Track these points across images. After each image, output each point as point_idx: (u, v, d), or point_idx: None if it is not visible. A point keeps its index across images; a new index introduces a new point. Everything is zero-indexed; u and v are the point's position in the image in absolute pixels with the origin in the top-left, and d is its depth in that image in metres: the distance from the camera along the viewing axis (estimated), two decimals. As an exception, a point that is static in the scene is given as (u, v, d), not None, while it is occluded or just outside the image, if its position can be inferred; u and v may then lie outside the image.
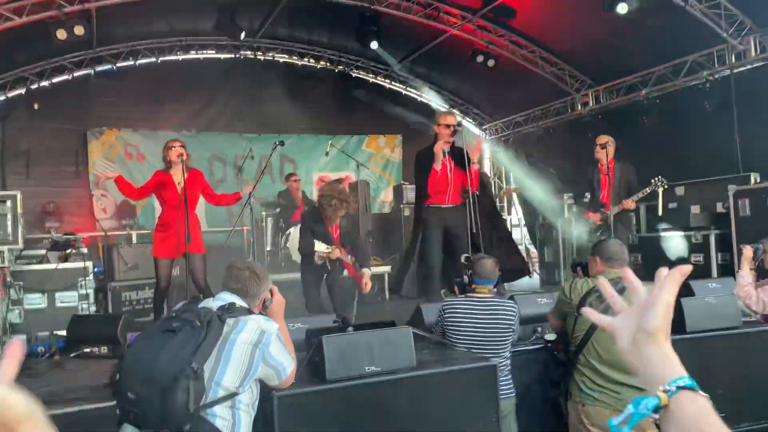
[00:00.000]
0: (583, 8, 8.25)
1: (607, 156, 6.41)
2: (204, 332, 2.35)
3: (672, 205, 8.19)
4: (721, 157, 8.05)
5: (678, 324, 3.89)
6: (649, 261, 7.64)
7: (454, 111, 12.40)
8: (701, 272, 6.80)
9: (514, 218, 12.58)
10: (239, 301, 2.66)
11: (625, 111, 9.77)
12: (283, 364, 2.57)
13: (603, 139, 6.50)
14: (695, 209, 7.72)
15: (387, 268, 8.12)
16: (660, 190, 6.46)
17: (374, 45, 9.98)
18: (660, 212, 8.27)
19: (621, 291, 3.37)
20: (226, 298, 2.66)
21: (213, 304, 2.63)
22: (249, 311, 2.64)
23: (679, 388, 0.89)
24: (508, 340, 3.67)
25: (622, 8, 7.47)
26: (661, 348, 0.99)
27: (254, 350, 2.45)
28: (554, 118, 11.46)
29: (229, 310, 2.55)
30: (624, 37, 8.58)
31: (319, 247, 5.39)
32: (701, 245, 7.02)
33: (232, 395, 2.38)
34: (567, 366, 3.32)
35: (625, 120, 9.62)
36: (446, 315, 3.70)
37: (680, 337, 3.85)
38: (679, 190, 8.16)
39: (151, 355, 2.30)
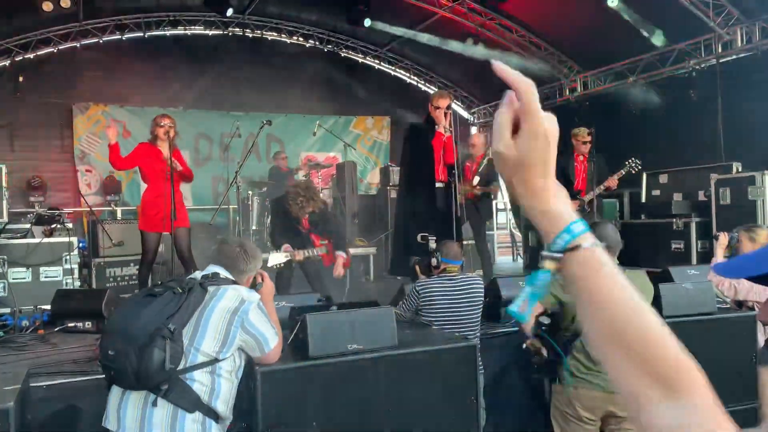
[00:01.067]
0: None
1: (586, 148, 6.59)
2: (185, 297, 2.43)
3: (655, 193, 8.30)
4: (705, 146, 8.15)
5: (655, 309, 3.98)
6: (632, 248, 7.73)
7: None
8: (681, 259, 6.92)
9: (500, 203, 12.65)
10: (225, 273, 2.71)
11: (611, 97, 9.84)
12: (264, 335, 2.59)
13: (586, 134, 6.62)
14: (677, 197, 7.82)
15: (372, 249, 8.16)
16: (633, 171, 6.55)
17: (367, 22, 9.94)
18: (643, 199, 8.40)
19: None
20: (213, 269, 2.72)
21: (198, 274, 2.69)
22: (234, 282, 2.68)
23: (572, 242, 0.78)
24: (478, 316, 3.83)
25: (611, 1, 7.54)
26: (533, 185, 0.81)
27: (232, 317, 2.50)
28: (542, 104, 11.46)
29: (212, 278, 2.62)
30: (613, 24, 8.61)
31: (275, 259, 5.24)
32: (682, 232, 7.12)
33: (212, 361, 2.43)
34: (560, 350, 3.32)
35: (612, 106, 9.69)
36: (421, 295, 3.79)
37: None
38: (663, 178, 8.26)
39: (131, 315, 2.38)
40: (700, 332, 3.98)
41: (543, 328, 3.40)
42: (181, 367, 2.35)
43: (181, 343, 2.35)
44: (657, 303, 3.93)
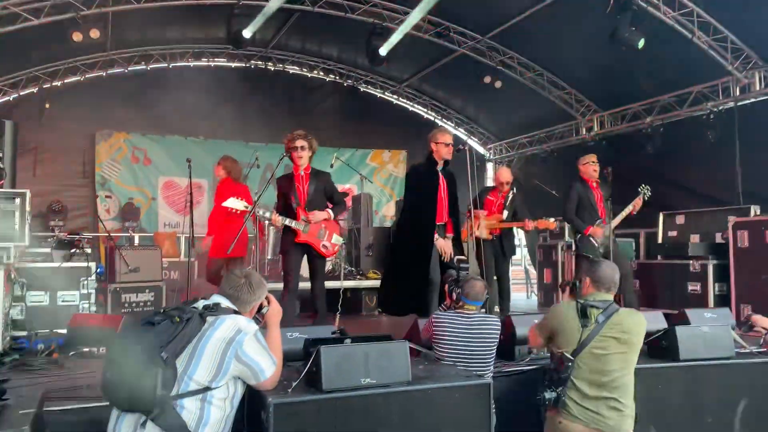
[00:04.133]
0: (592, 35, 8.36)
1: (597, 173, 6.55)
2: (181, 327, 2.52)
3: (671, 233, 8.25)
4: (723, 188, 8.12)
5: (672, 351, 3.94)
6: (648, 289, 7.68)
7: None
8: (698, 302, 6.84)
9: (515, 238, 12.62)
10: (227, 303, 2.78)
11: (628, 138, 9.86)
12: (260, 365, 2.66)
13: (595, 158, 6.61)
14: (694, 238, 7.77)
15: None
16: (645, 197, 6.48)
17: (383, 51, 10.06)
18: (660, 240, 8.34)
19: (608, 316, 3.39)
20: (215, 299, 2.80)
21: (201, 304, 2.77)
22: (235, 312, 2.75)
23: None
24: (491, 355, 3.81)
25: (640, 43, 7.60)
26: None
27: (227, 347, 2.57)
28: (558, 141, 11.55)
29: (213, 309, 2.70)
30: (631, 65, 8.69)
31: (233, 203, 5.25)
32: (699, 274, 7.05)
33: (204, 389, 2.52)
34: (558, 382, 3.32)
35: (628, 146, 9.70)
36: (434, 327, 3.83)
37: (673, 364, 3.90)
38: (680, 219, 8.21)
39: (128, 342, 2.53)
40: (717, 376, 3.92)
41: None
42: (173, 393, 2.46)
43: (174, 370, 2.46)
44: (673, 345, 3.89)
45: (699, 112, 8.71)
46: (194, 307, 2.71)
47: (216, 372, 2.54)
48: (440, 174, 5.62)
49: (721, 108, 8.36)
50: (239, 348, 2.59)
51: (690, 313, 4.91)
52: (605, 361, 3.22)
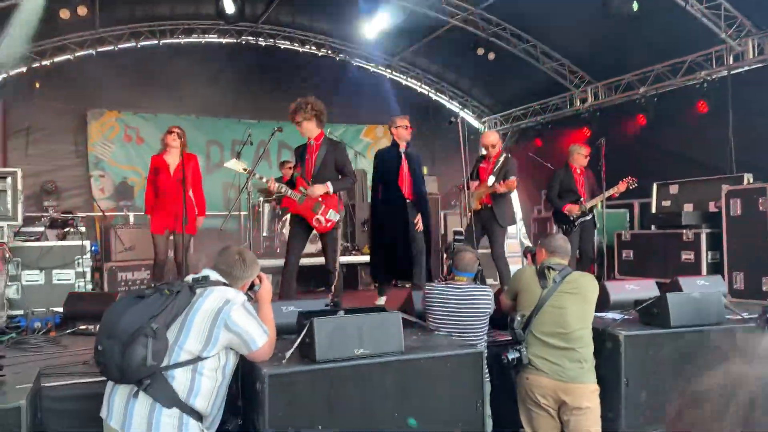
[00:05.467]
0: (585, 5, 8.29)
1: (586, 161, 7.21)
2: (172, 298, 2.56)
3: (665, 203, 8.27)
4: (716, 157, 8.13)
5: (663, 318, 3.98)
6: (641, 259, 7.72)
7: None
8: (692, 270, 6.88)
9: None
10: (217, 276, 2.81)
11: (622, 108, 9.84)
12: (250, 333, 2.68)
13: (587, 150, 7.23)
14: (688, 207, 7.79)
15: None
16: (630, 187, 6.94)
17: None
18: (653, 210, 8.37)
19: (563, 276, 3.75)
20: (206, 272, 2.83)
21: (190, 278, 2.81)
22: (225, 285, 2.78)
23: None
24: (484, 325, 3.87)
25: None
26: None
27: (216, 316, 2.61)
28: (553, 113, 11.52)
29: (202, 281, 2.74)
30: (624, 35, 8.63)
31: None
32: (692, 243, 7.08)
33: (195, 359, 2.55)
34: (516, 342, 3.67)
35: (622, 117, 9.69)
36: (426, 299, 3.93)
37: (664, 331, 3.94)
38: (673, 189, 8.23)
39: (118, 313, 2.52)
40: (708, 343, 3.97)
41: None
42: (164, 364, 2.49)
43: (165, 341, 2.49)
44: (664, 312, 3.93)
45: (692, 81, 8.69)
46: (184, 281, 2.75)
47: (206, 342, 2.57)
48: (403, 155, 6.14)
49: (714, 77, 8.34)
50: (227, 317, 2.62)
51: (682, 281, 4.95)
52: (564, 315, 3.57)
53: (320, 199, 5.40)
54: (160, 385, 2.48)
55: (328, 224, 5.45)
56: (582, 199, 7.00)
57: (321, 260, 5.82)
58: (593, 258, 7.30)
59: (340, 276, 5.72)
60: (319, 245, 6.17)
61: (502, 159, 6.48)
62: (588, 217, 7.07)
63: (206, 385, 2.57)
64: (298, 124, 5.50)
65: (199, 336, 2.57)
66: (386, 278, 6.44)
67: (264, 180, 5.40)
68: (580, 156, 7.18)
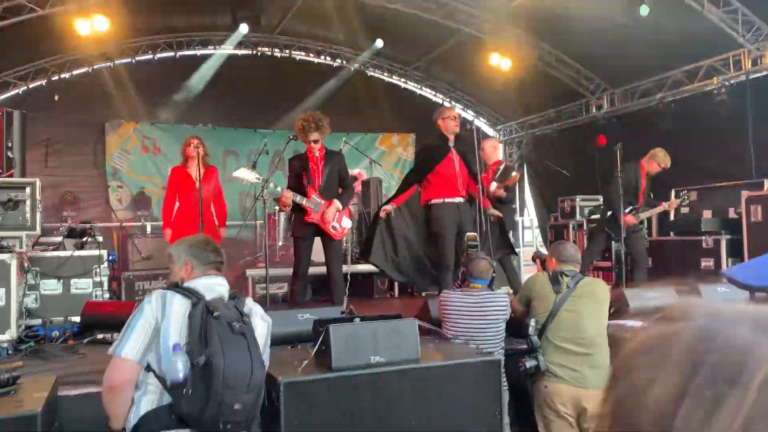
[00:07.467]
0: (600, 11, 8.24)
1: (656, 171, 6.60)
2: (249, 327, 2.41)
3: (684, 210, 8.17)
4: (735, 163, 8.02)
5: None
6: (661, 266, 7.62)
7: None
8: (711, 276, 6.78)
9: (527, 220, 12.58)
10: (225, 281, 2.64)
11: (639, 114, 9.76)
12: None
13: (668, 162, 6.56)
14: (707, 214, 7.69)
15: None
16: (681, 203, 6.95)
17: (379, 43, 10.06)
18: (672, 216, 8.27)
19: (576, 282, 3.73)
20: (221, 282, 2.62)
21: (209, 283, 2.58)
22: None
23: None
24: (501, 331, 3.85)
25: (643, 10, 7.49)
26: None
27: (267, 333, 2.59)
28: (569, 121, 11.45)
29: (236, 297, 2.56)
30: (640, 41, 8.57)
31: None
32: (712, 250, 6.99)
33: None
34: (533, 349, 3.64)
35: (639, 123, 9.60)
36: (442, 306, 3.93)
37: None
38: (692, 195, 8.14)
39: (246, 363, 2.30)
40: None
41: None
42: None
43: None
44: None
45: (710, 86, 8.59)
46: (232, 300, 2.55)
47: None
48: (452, 149, 5.60)
49: (732, 81, 8.24)
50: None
51: (704, 288, 4.88)
52: (580, 320, 3.56)
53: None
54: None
55: (344, 231, 5.50)
56: (638, 207, 6.50)
57: (322, 269, 5.74)
58: (648, 264, 6.80)
59: (346, 283, 5.65)
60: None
61: (501, 167, 6.54)
62: (640, 230, 6.63)
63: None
64: (316, 141, 5.38)
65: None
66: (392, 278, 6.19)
67: (279, 189, 5.38)
68: (654, 163, 6.52)
